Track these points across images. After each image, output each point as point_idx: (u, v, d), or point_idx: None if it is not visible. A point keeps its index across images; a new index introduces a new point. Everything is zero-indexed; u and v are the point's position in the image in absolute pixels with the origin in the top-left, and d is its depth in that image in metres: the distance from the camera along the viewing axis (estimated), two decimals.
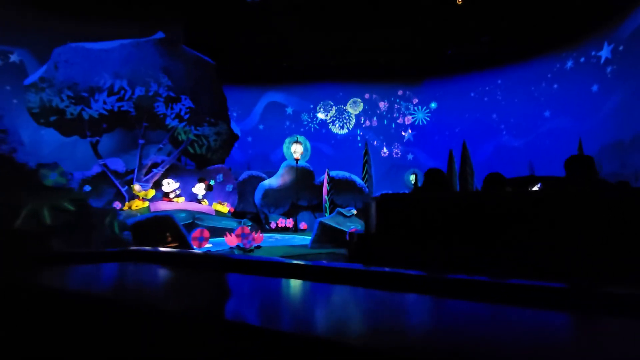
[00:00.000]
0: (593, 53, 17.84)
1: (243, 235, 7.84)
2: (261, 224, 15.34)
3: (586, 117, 18.23)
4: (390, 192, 15.33)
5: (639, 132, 15.15)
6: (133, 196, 13.26)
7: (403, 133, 24.77)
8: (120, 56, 14.55)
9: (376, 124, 24.82)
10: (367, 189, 15.99)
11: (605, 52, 17.13)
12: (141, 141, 14.51)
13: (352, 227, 8.56)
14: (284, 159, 17.55)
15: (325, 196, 14.96)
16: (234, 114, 25.26)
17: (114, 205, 12.74)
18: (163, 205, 12.93)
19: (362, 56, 23.11)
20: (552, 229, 3.37)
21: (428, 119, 24.87)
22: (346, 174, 15.84)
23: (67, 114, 13.34)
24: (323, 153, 24.53)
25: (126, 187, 13.80)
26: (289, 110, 25.14)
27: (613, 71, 16.76)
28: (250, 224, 13.89)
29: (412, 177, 22.58)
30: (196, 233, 8.48)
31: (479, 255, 3.49)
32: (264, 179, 16.47)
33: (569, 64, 19.25)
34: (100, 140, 14.04)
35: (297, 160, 13.78)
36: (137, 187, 12.99)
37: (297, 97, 25.13)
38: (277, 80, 24.87)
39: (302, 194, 15.72)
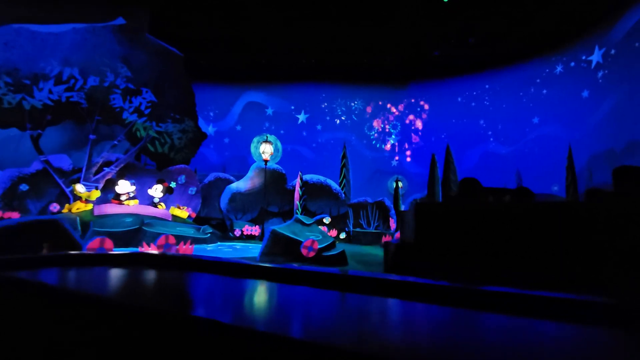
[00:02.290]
0: (583, 57, 17.08)
1: (166, 246, 6.49)
2: (226, 232, 13.91)
3: (576, 124, 17.40)
4: (369, 199, 13.56)
5: (632, 139, 14.27)
6: (78, 197, 11.73)
7: (388, 138, 23.68)
8: (71, 41, 13.12)
9: (359, 127, 23.71)
10: (343, 195, 14.71)
11: (596, 56, 16.36)
12: (92, 136, 13.03)
13: (310, 237, 7.24)
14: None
15: (297, 202, 13.64)
16: (210, 114, 23.92)
17: (51, 208, 11.20)
18: (109, 209, 11.43)
19: (346, 57, 22.04)
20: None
21: (417, 122, 23.87)
22: (321, 178, 14.57)
23: (4, 103, 11.81)
24: (304, 157, 23.27)
25: (71, 187, 12.25)
26: (269, 111, 23.88)
27: (604, 76, 15.97)
28: (211, 230, 12.47)
29: (397, 184, 21.45)
30: (161, 240, 7.10)
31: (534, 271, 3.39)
32: (232, 182, 15.07)
33: (559, 68, 18.47)
34: (42, 133, 12.50)
35: (266, 161, 12.46)
36: (79, 187, 11.48)
37: (278, 98, 23.90)
38: (257, 80, 23.63)
39: (272, 199, 14.36)
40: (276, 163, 14.60)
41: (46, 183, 12.32)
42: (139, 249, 6.61)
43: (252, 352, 0.79)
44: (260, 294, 1.47)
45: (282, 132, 23.61)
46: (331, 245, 7.47)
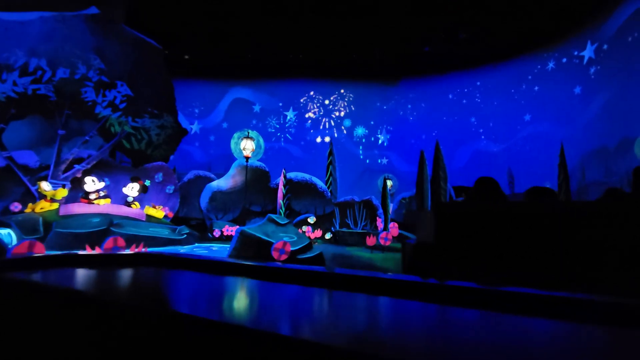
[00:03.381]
0: (576, 53, 16.72)
1: (114, 249, 5.84)
2: (205, 232, 13.23)
3: (568, 121, 17.04)
4: (356, 197, 12.86)
5: (625, 136, 13.90)
6: (43, 196, 10.96)
7: (378, 136, 23.17)
8: (39, 31, 12.32)
9: (349, 125, 23.14)
10: (329, 193, 14.11)
11: (588, 52, 16.00)
12: (61, 132, 12.26)
13: (284, 238, 6.63)
14: None
15: (280, 201, 13.01)
16: (195, 111, 23.18)
17: (12, 208, 10.42)
18: (76, 208, 10.68)
19: (335, 52, 21.45)
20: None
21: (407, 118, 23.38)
22: (306, 176, 13.96)
23: None
24: (292, 155, 22.65)
25: (37, 185, 11.47)
26: (256, 108, 23.19)
27: (597, 72, 15.61)
28: (188, 231, 11.78)
29: (388, 183, 20.93)
30: (109, 243, 6.39)
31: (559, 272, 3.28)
32: (212, 180, 14.39)
33: (551, 64, 18.11)
34: (6, 128, 11.70)
35: (247, 158, 11.81)
36: (44, 185, 10.71)
37: (265, 94, 23.24)
38: (244, 75, 22.94)
39: (255, 198, 13.72)
40: (262, 160, 13.96)
41: (9, 181, 11.52)
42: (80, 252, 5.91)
43: (240, 349, 0.79)
44: (242, 292, 1.42)
45: (269, 129, 22.97)
46: (307, 247, 6.87)
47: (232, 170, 13.83)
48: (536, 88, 18.89)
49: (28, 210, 10.41)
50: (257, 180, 13.86)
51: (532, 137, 18.98)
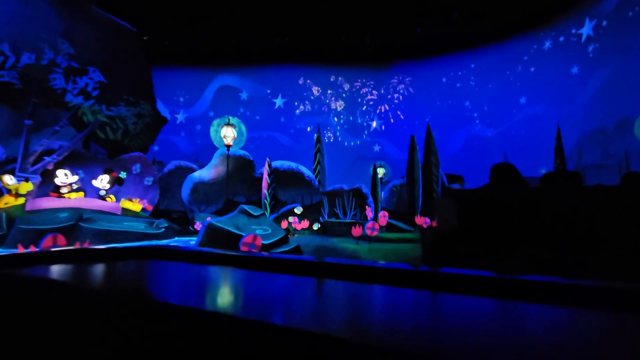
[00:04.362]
0: (573, 31, 16.00)
1: (54, 247, 5.26)
2: (187, 225, 12.62)
3: (565, 103, 16.42)
4: (345, 186, 12.18)
5: (624, 117, 13.33)
6: (8, 191, 10.27)
7: (370, 122, 22.47)
8: None
9: (340, 111, 22.41)
10: (317, 182, 13.50)
11: (586, 29, 15.29)
12: (28, 122, 11.48)
13: (257, 231, 6.04)
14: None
15: (264, 191, 12.40)
16: (180, 99, 22.34)
17: None
18: (44, 203, 10.03)
19: (325, 36, 20.56)
20: None
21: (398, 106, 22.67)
22: (292, 165, 13.32)
23: None
24: (281, 144, 21.95)
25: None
26: (244, 95, 22.36)
27: (595, 50, 14.93)
28: (166, 224, 11.17)
29: (379, 171, 20.34)
30: (47, 241, 5.81)
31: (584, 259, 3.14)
32: (194, 170, 13.72)
33: (547, 44, 17.38)
34: None
35: (228, 147, 11.15)
36: (6, 178, 10.02)
37: (252, 81, 22.38)
38: (230, 62, 22.02)
39: (239, 188, 13.09)
40: (249, 150, 13.24)
41: None
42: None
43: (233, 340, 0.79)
44: (229, 282, 1.44)
45: (257, 117, 22.21)
46: (283, 240, 6.29)
47: (215, 160, 13.15)
48: (532, 69, 18.21)
49: None
50: (241, 170, 13.21)
51: (527, 120, 18.39)
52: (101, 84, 12.90)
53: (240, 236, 5.83)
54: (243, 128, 13.68)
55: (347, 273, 1.50)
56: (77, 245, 5.39)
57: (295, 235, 9.24)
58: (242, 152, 13.34)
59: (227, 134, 11.45)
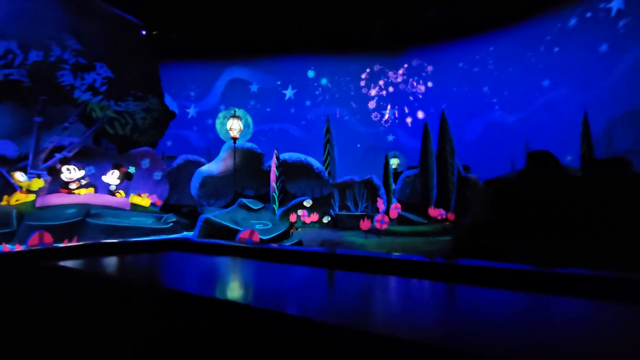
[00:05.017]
0: (602, 5, 14.78)
1: (40, 245, 5.12)
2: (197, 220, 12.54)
3: (593, 84, 15.29)
4: (355, 178, 11.71)
5: None
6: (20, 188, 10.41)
7: (383, 111, 21.80)
8: (6, 12, 11.48)
9: (352, 101, 21.83)
10: (326, 174, 13.12)
11: (617, 2, 14.08)
12: (38, 119, 11.59)
13: (257, 225, 5.74)
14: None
15: (273, 184, 12.14)
16: (191, 93, 22.30)
17: None
18: (54, 199, 10.10)
19: (334, 23, 19.93)
20: None
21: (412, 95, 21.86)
22: (301, 157, 12.98)
23: None
24: (292, 135, 21.63)
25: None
26: (254, 87, 22.09)
27: (627, 25, 13.75)
28: (175, 219, 11.09)
29: (393, 161, 19.74)
30: (34, 239, 5.72)
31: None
32: (203, 164, 13.60)
33: (573, 21, 16.19)
34: None
35: (234, 139, 10.90)
36: (18, 175, 10.14)
37: (262, 73, 22.06)
38: (239, 54, 21.74)
39: (247, 181, 12.88)
40: (260, 142, 12.94)
41: None
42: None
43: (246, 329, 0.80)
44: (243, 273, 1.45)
45: (268, 110, 21.93)
46: (283, 236, 5.98)
47: (223, 154, 12.96)
48: (556, 49, 17.05)
49: (3, 202, 9.87)
50: (249, 163, 12.98)
51: (551, 104, 17.30)
52: (109, 79, 12.88)
53: (238, 231, 5.55)
54: (249, 120, 13.39)
55: (358, 264, 1.46)
56: (65, 243, 5.25)
57: (299, 229, 8.94)
58: (250, 144, 13.09)
59: (233, 126, 11.20)
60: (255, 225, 5.77)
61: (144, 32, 17.20)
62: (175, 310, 0.98)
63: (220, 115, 13.26)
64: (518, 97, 18.72)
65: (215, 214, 5.83)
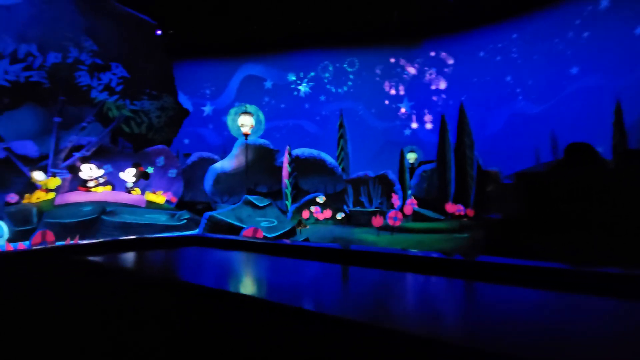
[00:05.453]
0: None
1: (42, 244, 5.12)
2: None
3: (626, 71, 14.23)
4: (370, 173, 11.36)
5: None
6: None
7: (400, 104, 21.23)
8: (27, 15, 11.82)
9: (368, 94, 21.37)
10: (339, 170, 12.84)
11: None
12: (57, 119, 11.90)
13: (262, 223, 5.58)
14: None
15: (285, 180, 11.99)
16: (207, 92, 22.48)
17: (8, 199, 10.25)
18: (73, 197, 10.35)
19: (348, 15, 19.50)
20: None
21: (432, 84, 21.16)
22: (314, 152, 12.76)
23: None
24: (306, 131, 21.44)
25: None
26: (268, 84, 22.01)
27: None
28: (189, 216, 11.13)
29: (410, 156, 19.20)
30: (36, 237, 5.80)
31: None
32: (216, 162, 13.63)
33: (604, 3, 15.09)
34: (1, 118, 11.49)
35: (246, 135, 10.82)
36: (37, 174, 10.45)
37: (276, 69, 21.94)
38: (253, 51, 21.69)
39: (260, 178, 12.80)
40: (274, 139, 12.85)
41: (11, 172, 11.42)
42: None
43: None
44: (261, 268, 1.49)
45: (282, 106, 21.82)
46: (290, 233, 5.78)
47: (235, 150, 12.93)
48: (586, 34, 15.98)
49: (25, 200, 10.20)
50: (262, 159, 12.88)
51: (580, 93, 16.26)
52: (124, 79, 13.06)
53: (242, 229, 5.40)
54: (261, 116, 13.28)
55: (375, 261, 1.47)
56: (67, 242, 5.26)
57: (307, 227, 8.73)
58: (262, 140, 12.99)
59: (245, 123, 11.11)
60: (261, 223, 5.61)
61: (159, 32, 17.43)
62: (193, 303, 1.01)
63: (232, 111, 13.22)
64: (544, 86, 17.73)
65: (219, 212, 5.72)
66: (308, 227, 8.48)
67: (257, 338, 0.80)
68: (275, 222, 5.81)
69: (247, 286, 1.23)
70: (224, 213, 5.70)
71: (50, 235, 5.66)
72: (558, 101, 17.06)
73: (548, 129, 16.77)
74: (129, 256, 1.76)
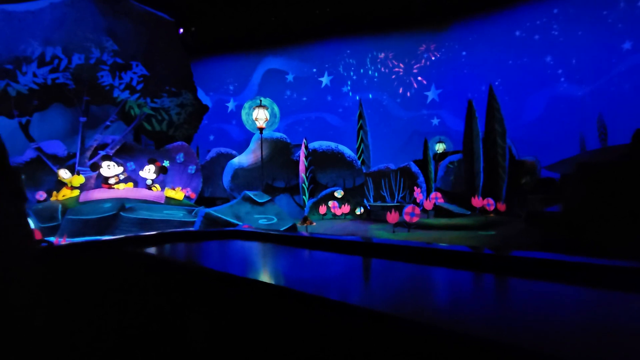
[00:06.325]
0: None
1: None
2: None
3: None
4: (391, 165, 10.69)
5: None
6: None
7: (427, 93, 20.10)
8: (51, 18, 12.25)
9: (392, 83, 20.43)
10: (359, 163, 12.27)
11: None
12: (82, 119, 12.29)
13: (260, 220, 5.23)
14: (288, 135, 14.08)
15: (302, 174, 11.64)
16: (230, 87, 22.57)
17: (37, 197, 10.71)
18: (95, 194, 10.64)
19: (371, 1, 18.64)
20: None
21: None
22: (332, 145, 12.27)
23: None
24: (329, 124, 20.92)
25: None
26: (290, 77, 21.69)
27: None
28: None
29: (439, 147, 18.14)
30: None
31: None
32: (234, 157, 13.54)
33: None
34: (31, 119, 12.03)
35: (261, 129, 10.56)
36: (61, 172, 10.83)
37: (297, 61, 21.55)
38: (274, 44, 21.43)
39: (277, 172, 12.54)
40: (294, 132, 12.57)
41: (42, 171, 11.99)
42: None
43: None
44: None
45: (304, 99, 21.42)
46: (290, 231, 5.39)
47: (253, 145, 12.74)
48: None
49: (53, 198, 10.63)
50: (279, 154, 12.60)
51: (633, 71, 14.45)
52: (144, 77, 13.25)
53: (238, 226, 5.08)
54: (276, 109, 12.96)
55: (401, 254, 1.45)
56: (56, 242, 5.22)
57: (314, 224, 8.29)
58: (279, 134, 12.69)
59: (259, 116, 10.83)
60: (259, 220, 5.28)
61: (181, 30, 17.60)
62: (238, 293, 1.02)
63: (246, 105, 13.02)
64: (590, 65, 15.95)
65: (216, 209, 5.46)
66: (314, 224, 8.05)
67: (303, 330, 0.80)
68: (275, 220, 5.46)
69: (283, 278, 1.24)
70: (220, 210, 5.44)
71: (37, 234, 5.67)
72: (607, 81, 15.27)
73: (595, 113, 15.08)
74: (179, 247, 1.83)
